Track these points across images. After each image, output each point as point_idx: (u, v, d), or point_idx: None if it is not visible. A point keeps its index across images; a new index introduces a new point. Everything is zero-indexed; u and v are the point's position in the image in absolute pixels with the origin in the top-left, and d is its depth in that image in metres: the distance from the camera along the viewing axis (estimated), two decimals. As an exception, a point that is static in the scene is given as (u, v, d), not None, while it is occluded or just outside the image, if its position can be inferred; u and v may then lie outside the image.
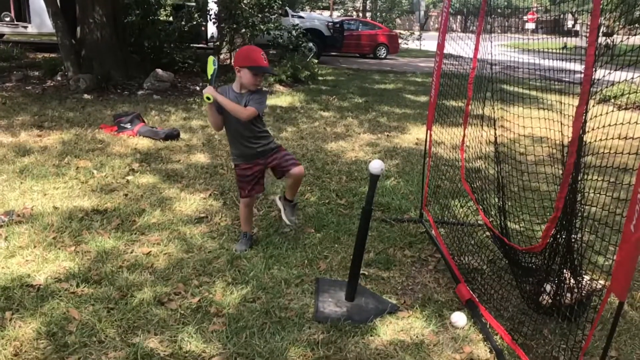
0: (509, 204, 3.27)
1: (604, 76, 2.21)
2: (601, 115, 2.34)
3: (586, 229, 2.61)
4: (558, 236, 2.61)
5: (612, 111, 2.31)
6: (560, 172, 2.47)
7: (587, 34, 2.11)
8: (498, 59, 3.31)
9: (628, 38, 2.29)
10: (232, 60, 3.37)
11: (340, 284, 3.14)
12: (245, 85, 3.26)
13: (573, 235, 2.59)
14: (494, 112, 3.21)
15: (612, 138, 2.33)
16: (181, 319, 2.76)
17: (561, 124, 2.47)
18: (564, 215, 2.46)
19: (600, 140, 2.39)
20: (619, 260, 1.71)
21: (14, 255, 3.27)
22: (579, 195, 2.52)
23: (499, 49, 3.41)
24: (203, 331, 2.66)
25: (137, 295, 2.93)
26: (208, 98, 3.12)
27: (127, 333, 2.61)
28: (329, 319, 2.82)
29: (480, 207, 3.39)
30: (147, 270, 3.21)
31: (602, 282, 2.89)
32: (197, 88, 9.83)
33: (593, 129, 2.36)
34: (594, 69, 2.11)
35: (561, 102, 2.50)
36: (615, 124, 2.28)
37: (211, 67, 3.24)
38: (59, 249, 3.40)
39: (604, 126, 2.30)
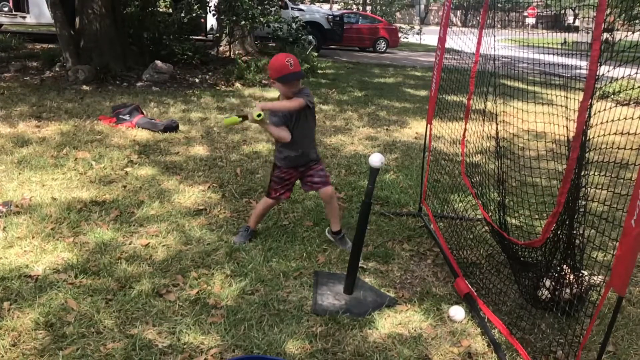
0: (509, 199, 3.27)
1: (608, 71, 2.20)
2: (603, 110, 2.34)
3: (587, 224, 2.62)
4: (559, 232, 2.61)
5: (615, 107, 2.30)
6: (562, 167, 2.47)
7: (591, 29, 2.10)
8: (500, 53, 3.29)
9: (627, 35, 2.27)
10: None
11: (339, 277, 3.14)
12: (284, 94, 3.28)
13: (574, 231, 2.59)
14: (495, 107, 3.20)
15: (615, 134, 2.33)
16: (179, 310, 2.76)
17: (566, 118, 2.46)
18: (565, 210, 2.46)
19: (602, 136, 2.39)
20: (619, 255, 1.71)
21: (12, 246, 3.27)
22: (581, 190, 2.52)
23: (501, 43, 3.40)
24: (201, 323, 2.67)
25: (136, 286, 2.93)
26: (259, 115, 3.04)
27: (125, 324, 2.61)
28: (327, 311, 2.83)
29: (480, 201, 3.39)
30: (145, 262, 3.20)
31: (601, 277, 2.90)
32: (197, 80, 9.80)
33: (595, 125, 2.35)
34: (598, 64, 2.10)
35: (566, 97, 2.50)
36: (618, 119, 2.27)
37: (235, 119, 3.18)
38: (58, 239, 3.39)
39: (605, 122, 2.30)
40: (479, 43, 3.42)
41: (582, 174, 2.47)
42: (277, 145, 3.43)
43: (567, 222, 2.56)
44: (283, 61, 3.21)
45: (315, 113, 3.52)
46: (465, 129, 3.69)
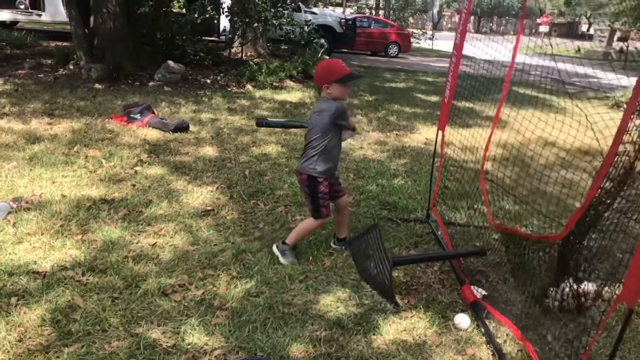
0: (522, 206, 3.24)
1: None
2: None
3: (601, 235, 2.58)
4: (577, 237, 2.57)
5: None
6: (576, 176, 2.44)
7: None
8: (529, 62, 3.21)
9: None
10: (315, 81, 3.27)
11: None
12: (339, 97, 3.19)
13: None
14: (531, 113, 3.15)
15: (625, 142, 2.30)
16: (184, 310, 2.77)
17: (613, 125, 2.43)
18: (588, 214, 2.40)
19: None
20: (632, 267, 1.69)
21: (21, 242, 3.29)
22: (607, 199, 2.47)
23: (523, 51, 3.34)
24: (206, 324, 2.67)
25: (142, 285, 2.94)
26: None
27: (130, 323, 2.63)
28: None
29: (490, 209, 3.36)
30: (152, 261, 3.22)
31: (610, 289, 2.86)
32: (208, 81, 9.84)
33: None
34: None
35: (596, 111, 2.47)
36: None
37: None
38: (66, 237, 3.41)
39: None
40: (515, 49, 3.31)
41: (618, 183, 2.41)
42: (315, 159, 3.20)
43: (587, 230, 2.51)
44: (337, 62, 3.17)
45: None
46: (491, 133, 3.57)
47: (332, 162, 3.29)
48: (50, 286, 2.85)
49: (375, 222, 3.98)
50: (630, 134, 2.20)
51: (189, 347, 2.50)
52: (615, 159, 2.20)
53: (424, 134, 7.22)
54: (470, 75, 3.92)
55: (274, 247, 3.43)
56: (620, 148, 2.21)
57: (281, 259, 3.35)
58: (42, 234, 3.42)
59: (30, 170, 4.49)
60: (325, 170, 3.25)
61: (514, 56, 3.27)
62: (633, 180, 2.35)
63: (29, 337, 2.45)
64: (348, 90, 3.22)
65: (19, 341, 2.42)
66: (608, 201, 2.41)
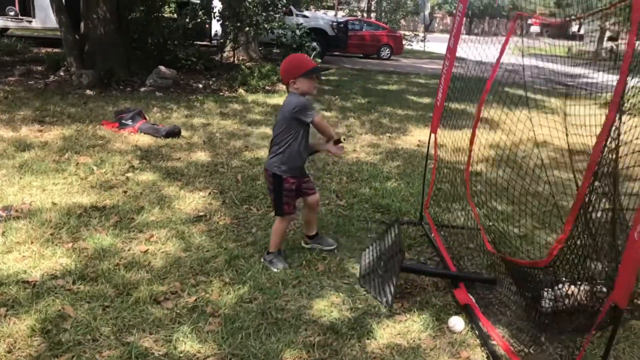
0: (512, 208, 3.23)
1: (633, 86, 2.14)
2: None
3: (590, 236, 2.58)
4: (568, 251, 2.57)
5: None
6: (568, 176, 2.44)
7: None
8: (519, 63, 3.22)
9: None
10: (282, 78, 3.28)
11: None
12: (306, 92, 3.16)
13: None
14: (524, 114, 3.13)
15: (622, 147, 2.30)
16: (177, 318, 2.74)
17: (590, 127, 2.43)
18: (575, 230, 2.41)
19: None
20: (622, 268, 1.68)
21: (10, 251, 3.26)
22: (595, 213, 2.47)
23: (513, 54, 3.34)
24: (198, 331, 2.65)
25: (133, 293, 2.91)
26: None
27: (122, 332, 2.60)
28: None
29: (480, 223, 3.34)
30: (144, 269, 3.19)
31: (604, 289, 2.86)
32: (200, 86, 9.82)
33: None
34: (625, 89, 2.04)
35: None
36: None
37: None
38: (56, 245, 3.38)
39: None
40: (501, 53, 3.30)
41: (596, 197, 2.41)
42: (281, 157, 3.20)
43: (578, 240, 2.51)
44: (302, 56, 3.18)
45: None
46: (472, 143, 3.57)
47: (298, 161, 3.27)
48: (40, 296, 2.82)
49: (397, 218, 3.97)
50: (615, 133, 2.21)
51: (181, 355, 2.48)
52: (601, 157, 2.20)
53: (416, 136, 7.22)
54: (463, 77, 3.92)
55: (262, 260, 3.39)
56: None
57: (272, 269, 3.30)
58: (32, 242, 3.38)
59: (20, 178, 4.45)
60: (290, 169, 3.23)
61: (498, 60, 3.28)
62: (616, 178, 2.37)
63: (19, 348, 2.42)
64: (315, 83, 3.19)
65: (9, 352, 2.39)
66: (598, 201, 2.41)
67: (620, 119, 2.13)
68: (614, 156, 2.23)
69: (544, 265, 2.65)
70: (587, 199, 2.31)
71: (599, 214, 2.40)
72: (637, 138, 2.16)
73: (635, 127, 2.18)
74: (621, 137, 2.22)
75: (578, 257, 2.52)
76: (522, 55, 3.11)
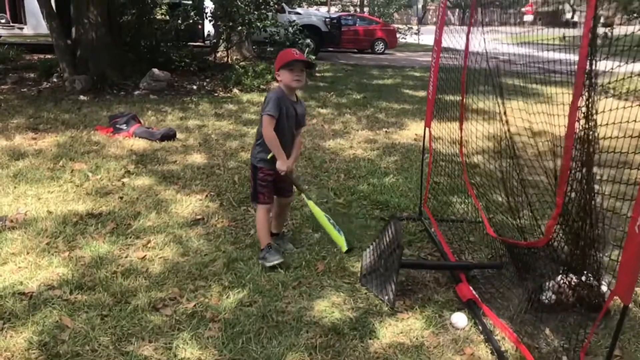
0: (512, 199, 3.20)
1: (612, 69, 2.14)
2: (609, 110, 2.27)
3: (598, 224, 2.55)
4: (565, 231, 2.55)
5: (624, 107, 2.22)
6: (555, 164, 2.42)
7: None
8: (494, 51, 3.23)
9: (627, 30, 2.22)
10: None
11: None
12: (287, 84, 3.22)
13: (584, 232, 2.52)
14: (499, 106, 3.12)
15: (618, 137, 2.27)
16: (176, 325, 2.71)
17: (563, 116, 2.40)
18: (568, 211, 2.40)
19: (610, 138, 2.32)
20: (623, 262, 1.65)
21: (6, 263, 3.22)
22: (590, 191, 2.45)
23: (495, 42, 3.34)
24: (198, 337, 2.61)
25: (132, 301, 2.88)
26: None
27: (121, 341, 2.56)
28: None
29: (481, 204, 3.33)
30: (142, 275, 3.15)
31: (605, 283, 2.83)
32: (194, 87, 9.76)
33: (601, 125, 2.30)
34: (588, 61, 2.05)
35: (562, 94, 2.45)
36: (627, 122, 2.21)
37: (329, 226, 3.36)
38: (53, 254, 3.34)
39: (613, 123, 2.23)
40: (466, 47, 3.33)
41: (584, 171, 2.40)
42: (259, 149, 3.30)
43: (575, 222, 2.49)
44: (287, 50, 3.29)
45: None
46: (461, 128, 3.59)
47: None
48: (37, 307, 2.78)
49: (394, 214, 3.96)
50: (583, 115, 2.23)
51: (181, 362, 2.44)
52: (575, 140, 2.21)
53: (413, 130, 7.18)
54: (456, 67, 3.87)
55: (258, 260, 3.36)
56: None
57: (267, 264, 3.26)
58: (28, 253, 3.34)
59: (15, 187, 4.41)
60: (266, 161, 3.28)
61: (466, 49, 3.27)
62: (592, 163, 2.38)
63: (17, 362, 2.39)
64: (294, 76, 3.20)
65: (6, 366, 2.36)
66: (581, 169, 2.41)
67: (590, 96, 2.15)
68: (589, 125, 2.25)
69: (544, 245, 2.61)
70: (572, 171, 2.31)
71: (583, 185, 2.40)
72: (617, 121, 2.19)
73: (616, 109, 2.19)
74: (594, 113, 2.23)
75: (574, 233, 2.51)
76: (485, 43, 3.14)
